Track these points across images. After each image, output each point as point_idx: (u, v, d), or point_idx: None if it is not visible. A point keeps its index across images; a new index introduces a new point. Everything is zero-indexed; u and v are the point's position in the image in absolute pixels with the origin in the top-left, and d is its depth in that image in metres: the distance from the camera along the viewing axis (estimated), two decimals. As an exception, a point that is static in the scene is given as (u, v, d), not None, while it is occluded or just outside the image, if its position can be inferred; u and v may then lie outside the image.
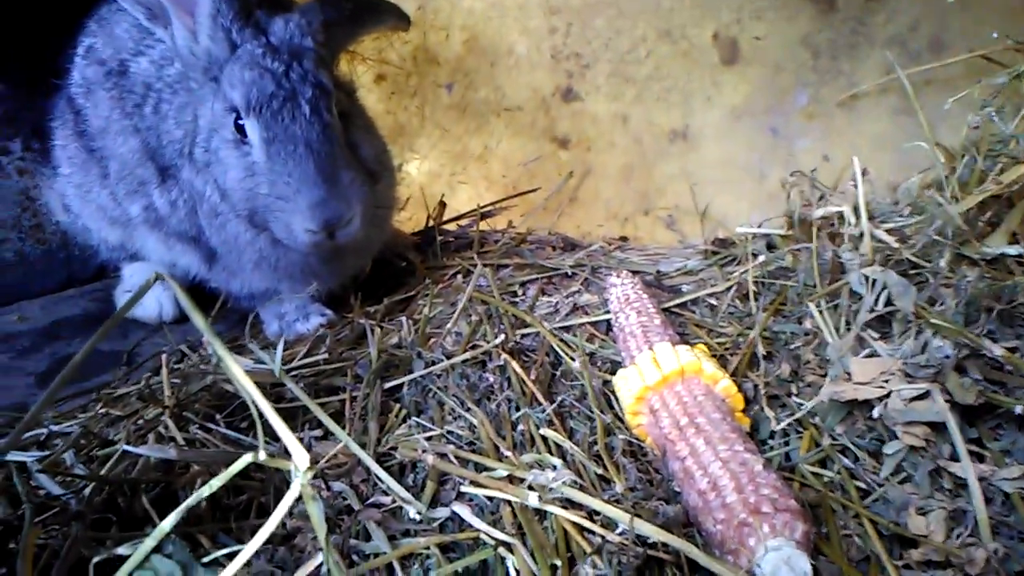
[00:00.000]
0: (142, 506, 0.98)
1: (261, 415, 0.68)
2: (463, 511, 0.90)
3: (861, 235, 1.17)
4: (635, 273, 1.52)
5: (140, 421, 1.22)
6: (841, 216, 1.28)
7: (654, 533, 0.85)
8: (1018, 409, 0.87)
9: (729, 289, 1.45)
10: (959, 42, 1.57)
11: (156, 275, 0.82)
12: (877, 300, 1.03)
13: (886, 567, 0.83)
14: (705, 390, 1.09)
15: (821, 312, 1.16)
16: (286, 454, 0.66)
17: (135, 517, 0.97)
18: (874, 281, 1.05)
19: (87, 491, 0.99)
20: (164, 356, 1.37)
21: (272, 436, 0.72)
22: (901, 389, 0.89)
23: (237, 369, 0.68)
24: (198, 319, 0.72)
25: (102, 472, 1.04)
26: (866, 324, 1.05)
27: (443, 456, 1.01)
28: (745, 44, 1.76)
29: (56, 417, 1.33)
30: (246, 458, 0.63)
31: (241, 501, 1.03)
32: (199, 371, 1.36)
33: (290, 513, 0.82)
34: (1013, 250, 1.07)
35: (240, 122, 1.37)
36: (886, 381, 0.91)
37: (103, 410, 1.31)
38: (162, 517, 0.94)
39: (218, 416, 1.22)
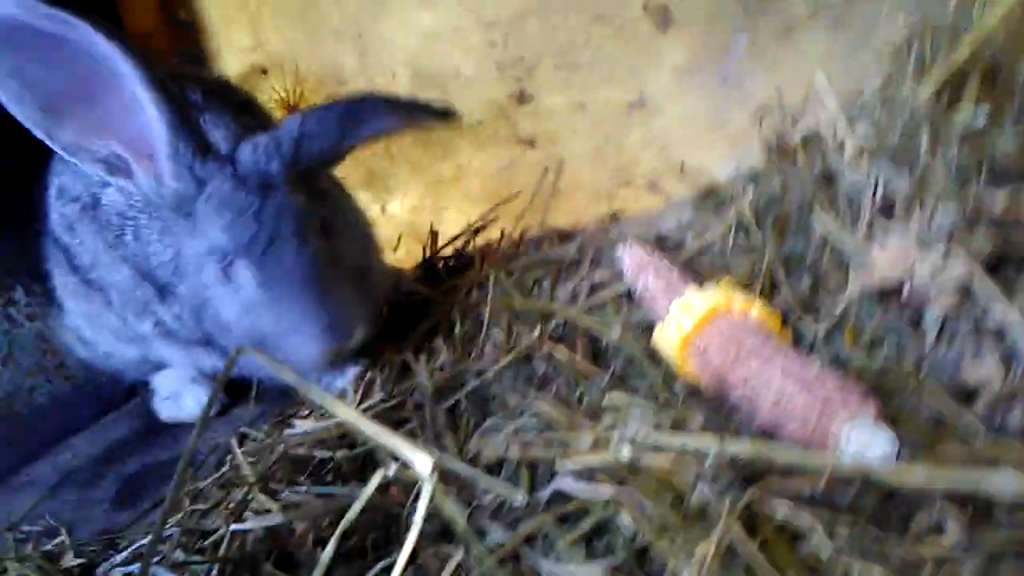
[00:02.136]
0: (268, 573, 1.04)
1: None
2: (565, 484, 0.95)
3: (842, 143, 1.24)
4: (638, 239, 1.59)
5: (231, 505, 1.27)
6: (818, 134, 1.36)
7: (744, 448, 0.92)
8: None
9: (730, 228, 1.52)
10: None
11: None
12: (875, 193, 1.10)
13: (955, 423, 0.90)
14: (742, 319, 1.16)
15: (827, 216, 1.23)
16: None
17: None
18: (867, 174, 1.12)
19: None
20: (233, 440, 1.41)
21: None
22: (923, 263, 0.96)
23: (340, 406, 0.74)
24: (287, 375, 0.78)
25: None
26: (871, 219, 1.12)
27: (527, 445, 1.07)
28: (675, 8, 1.85)
29: (151, 527, 1.37)
30: (378, 475, 0.69)
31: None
32: (268, 445, 1.42)
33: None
34: (981, 119, 1.15)
35: (224, 265, 1.36)
36: (907, 260, 0.98)
37: (189, 508, 1.36)
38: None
39: (301, 478, 1.27)
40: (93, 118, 1.33)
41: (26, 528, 1.56)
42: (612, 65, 1.91)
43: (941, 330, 0.99)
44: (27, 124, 1.29)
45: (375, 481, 0.70)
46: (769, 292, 1.31)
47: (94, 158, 1.36)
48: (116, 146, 1.36)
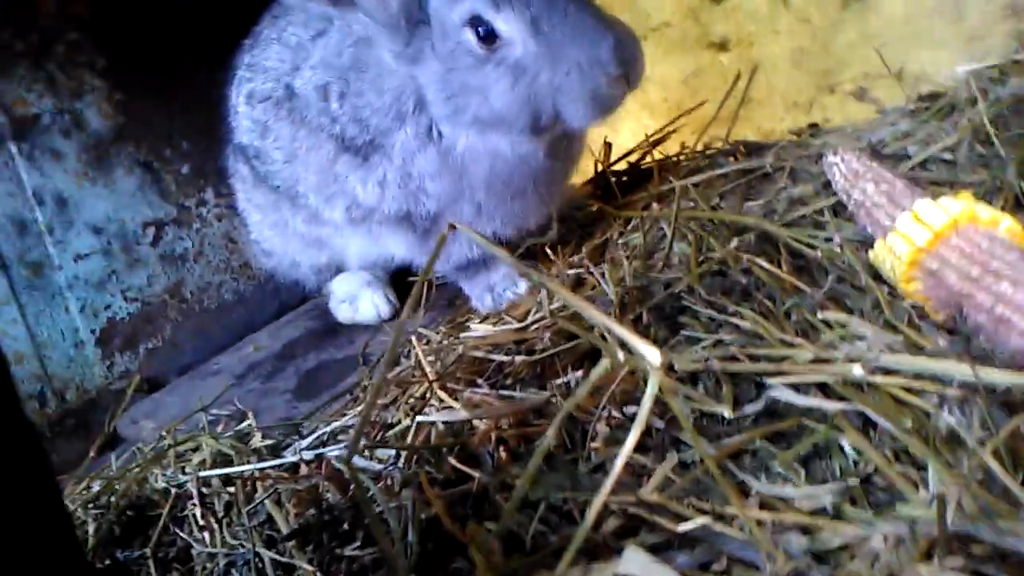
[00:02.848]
0: (450, 466, 1.02)
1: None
2: (783, 394, 0.86)
3: None
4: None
5: (411, 400, 1.27)
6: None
7: (1000, 376, 0.79)
8: None
9: (963, 139, 1.32)
10: None
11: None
12: None
13: None
14: (988, 235, 1.00)
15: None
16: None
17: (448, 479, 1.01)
18: None
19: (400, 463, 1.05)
20: (413, 338, 1.42)
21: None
22: None
23: (568, 293, 0.68)
24: (497, 251, 0.72)
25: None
26: None
27: (730, 358, 0.98)
28: None
29: (330, 416, 1.42)
30: (604, 362, 0.63)
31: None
32: (446, 347, 1.41)
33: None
34: None
35: (483, 29, 1.30)
36: None
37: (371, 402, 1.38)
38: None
39: (479, 380, 1.25)
40: None
41: (216, 411, 1.67)
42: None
43: None
44: None
45: (601, 368, 0.64)
46: (1013, 209, 1.13)
47: None
48: None
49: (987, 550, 0.63)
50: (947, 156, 1.34)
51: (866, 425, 0.84)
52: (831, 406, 0.81)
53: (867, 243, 1.17)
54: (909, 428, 0.78)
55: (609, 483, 0.62)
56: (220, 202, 2.15)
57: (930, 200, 1.08)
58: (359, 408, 1.37)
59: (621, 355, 0.63)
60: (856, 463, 0.82)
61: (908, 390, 0.83)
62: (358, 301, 1.91)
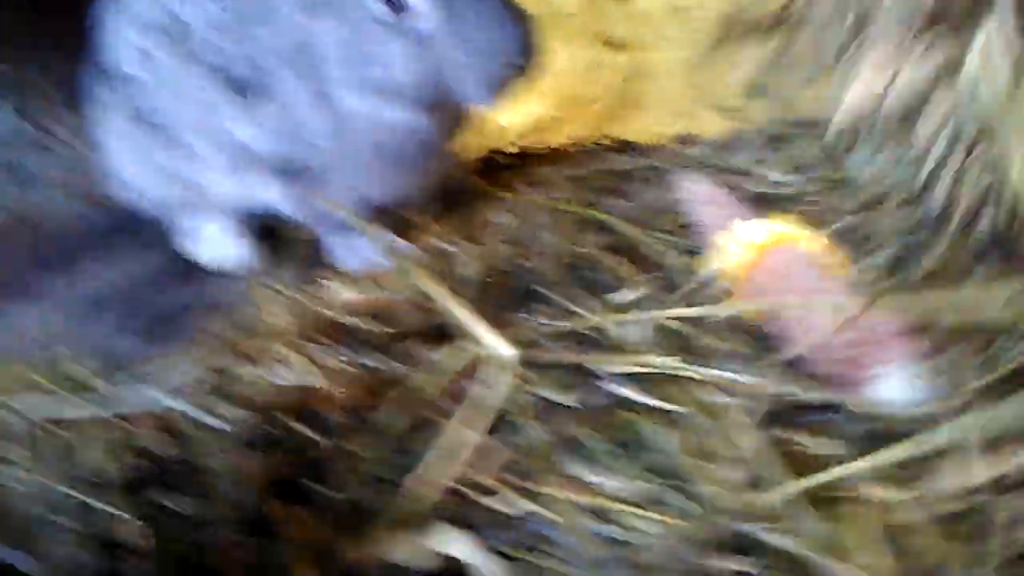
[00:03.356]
0: (291, 428, 1.02)
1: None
2: (618, 388, 0.92)
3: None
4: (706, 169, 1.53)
5: (258, 354, 1.25)
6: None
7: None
8: None
9: (809, 165, 1.45)
10: None
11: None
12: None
13: None
14: (798, 254, 1.13)
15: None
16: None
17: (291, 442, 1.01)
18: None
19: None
20: (268, 292, 1.39)
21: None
22: None
23: (423, 278, 0.69)
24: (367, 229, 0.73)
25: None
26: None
27: (576, 351, 1.04)
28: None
29: (172, 362, 1.36)
30: (458, 353, 0.65)
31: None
32: (301, 304, 1.39)
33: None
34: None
35: None
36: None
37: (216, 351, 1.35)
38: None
39: (334, 344, 1.24)
40: None
41: (56, 348, 1.57)
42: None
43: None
44: None
45: (457, 359, 0.66)
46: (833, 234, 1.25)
47: None
48: None
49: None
50: (790, 180, 1.45)
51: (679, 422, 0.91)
52: (655, 402, 0.88)
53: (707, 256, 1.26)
54: (713, 427, 0.85)
55: (439, 460, 0.65)
56: (77, 124, 2.00)
57: (758, 220, 1.19)
58: (204, 356, 1.33)
59: (478, 346, 0.65)
60: (669, 457, 0.89)
61: (721, 388, 0.91)
62: (219, 244, 1.83)
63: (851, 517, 0.75)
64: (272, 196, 1.66)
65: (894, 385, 0.88)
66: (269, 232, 1.86)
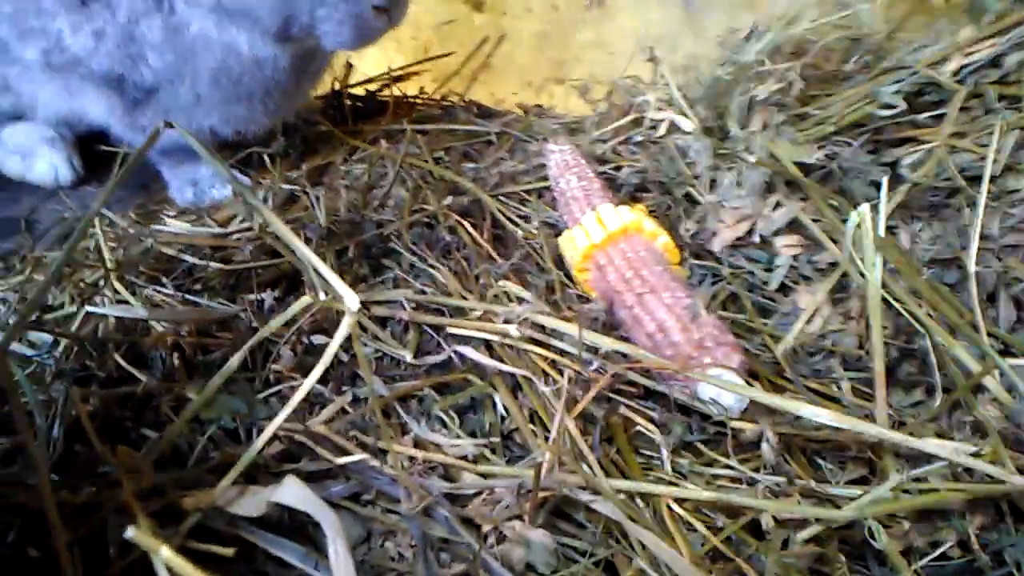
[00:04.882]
0: (115, 364, 0.98)
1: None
2: (457, 348, 0.96)
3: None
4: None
5: (81, 285, 1.18)
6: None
7: (608, 343, 0.97)
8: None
9: (657, 155, 1.54)
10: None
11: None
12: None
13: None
14: (646, 246, 1.20)
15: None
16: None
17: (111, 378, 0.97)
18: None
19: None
20: (97, 220, 1.29)
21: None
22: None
23: (271, 215, 0.69)
24: (212, 159, 0.71)
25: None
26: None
27: (418, 307, 1.06)
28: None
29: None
30: (304, 300, 0.66)
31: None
32: (132, 236, 1.32)
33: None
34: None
35: None
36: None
37: (29, 276, 1.25)
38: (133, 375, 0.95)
39: (165, 279, 1.19)
40: None
41: None
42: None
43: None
44: None
45: (299, 305, 0.67)
46: (671, 227, 1.35)
47: None
48: None
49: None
50: (640, 166, 1.53)
51: (516, 387, 0.97)
52: (491, 364, 0.93)
53: (560, 229, 1.33)
54: (540, 394, 0.92)
55: (285, 411, 0.66)
56: None
57: (612, 206, 1.26)
58: (15, 281, 1.23)
59: (321, 293, 0.66)
60: (503, 419, 0.95)
61: (551, 361, 0.98)
62: (34, 158, 1.68)
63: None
64: (102, 113, 1.53)
65: (716, 387, 0.92)
66: (94, 150, 1.73)
